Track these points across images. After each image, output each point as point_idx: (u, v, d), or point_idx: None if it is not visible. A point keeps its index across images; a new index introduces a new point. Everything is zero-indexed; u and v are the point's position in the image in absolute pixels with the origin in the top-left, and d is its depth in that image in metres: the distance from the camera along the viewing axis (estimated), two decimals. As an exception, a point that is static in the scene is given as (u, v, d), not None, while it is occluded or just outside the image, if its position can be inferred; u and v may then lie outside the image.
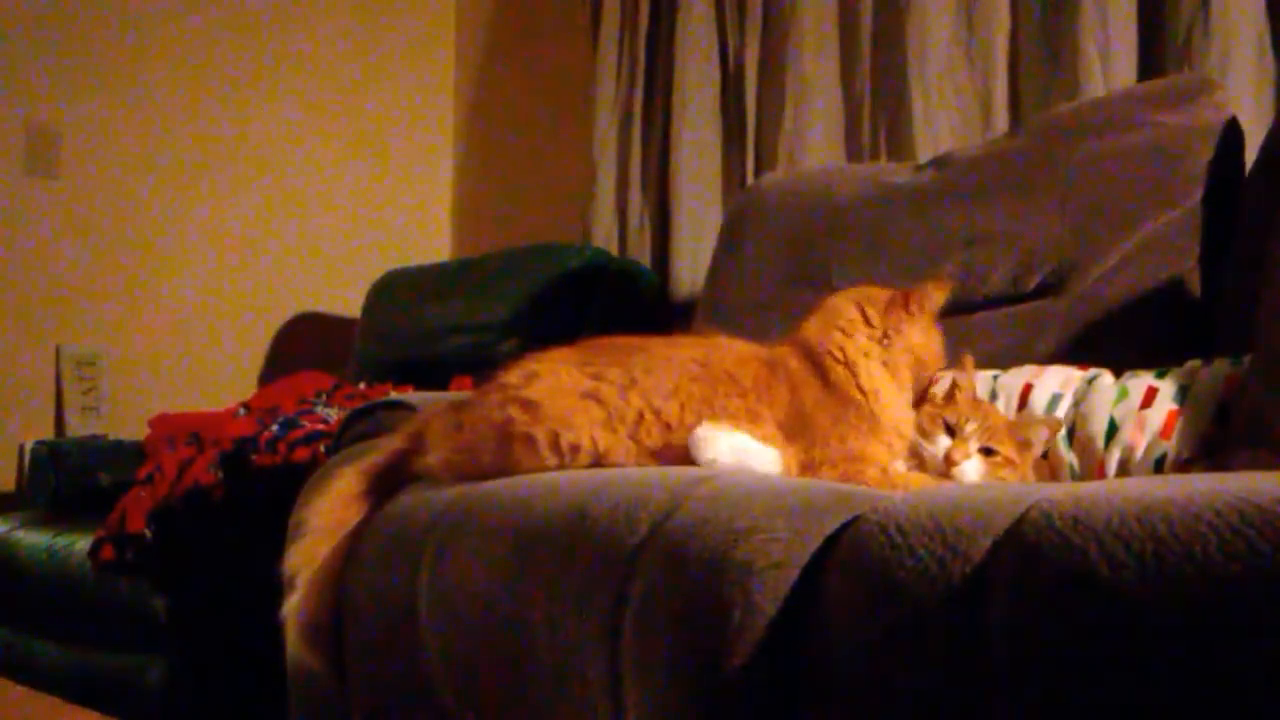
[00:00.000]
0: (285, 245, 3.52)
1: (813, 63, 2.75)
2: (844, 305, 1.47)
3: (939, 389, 1.51)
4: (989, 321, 1.91)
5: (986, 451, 1.41)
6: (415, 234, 3.78)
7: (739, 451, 1.28)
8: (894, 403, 1.41)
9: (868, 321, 1.44)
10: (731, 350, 1.43)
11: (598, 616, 1.06)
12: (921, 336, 1.45)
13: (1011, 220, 1.96)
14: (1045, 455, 1.52)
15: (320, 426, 2.29)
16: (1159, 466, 1.44)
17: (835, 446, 1.35)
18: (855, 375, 1.40)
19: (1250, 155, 1.85)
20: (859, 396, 1.39)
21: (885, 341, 1.43)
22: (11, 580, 2.48)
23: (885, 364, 1.42)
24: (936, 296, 1.47)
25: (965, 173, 2.10)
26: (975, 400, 1.49)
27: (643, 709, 1.00)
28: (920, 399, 1.49)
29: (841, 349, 1.41)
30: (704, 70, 2.98)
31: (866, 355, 1.41)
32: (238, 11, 3.47)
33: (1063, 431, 1.52)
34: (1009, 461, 1.41)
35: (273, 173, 3.52)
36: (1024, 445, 1.44)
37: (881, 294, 1.48)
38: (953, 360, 1.51)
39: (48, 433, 3.12)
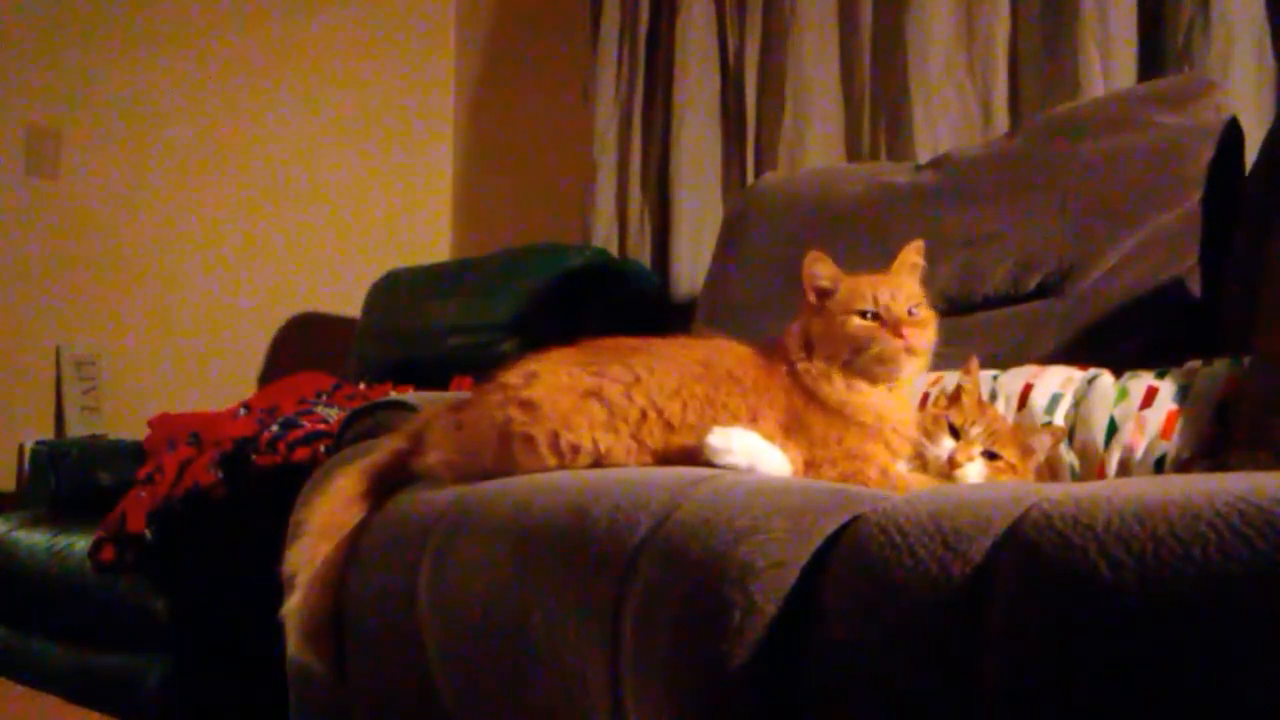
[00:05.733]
0: (285, 245, 3.53)
1: (813, 63, 2.75)
2: (791, 334, 1.45)
3: (946, 386, 1.51)
4: (989, 321, 1.91)
5: (990, 456, 1.40)
6: (415, 234, 3.78)
7: (753, 453, 1.28)
8: (868, 404, 1.38)
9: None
10: (732, 351, 1.43)
11: (598, 616, 1.06)
12: (845, 294, 1.40)
13: (1011, 220, 1.96)
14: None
15: (320, 426, 2.29)
16: (1159, 466, 1.44)
17: (834, 446, 1.35)
18: (819, 392, 1.38)
19: (1250, 155, 1.85)
20: (836, 407, 1.38)
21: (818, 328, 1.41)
22: (11, 580, 2.48)
23: (842, 375, 1.38)
24: (816, 270, 1.43)
25: (965, 173, 2.10)
26: (980, 403, 1.48)
27: (642, 709, 1.00)
28: (924, 400, 1.48)
29: (807, 370, 1.40)
30: (704, 70, 2.98)
31: (823, 375, 1.39)
32: (238, 12, 3.47)
33: (1062, 433, 1.52)
34: (1011, 467, 1.41)
35: (273, 173, 3.52)
36: (1027, 451, 1.44)
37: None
38: (958, 362, 1.51)
39: (48, 433, 3.12)
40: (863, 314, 1.38)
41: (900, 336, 1.35)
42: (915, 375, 1.45)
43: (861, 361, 1.37)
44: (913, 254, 1.44)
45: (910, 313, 1.38)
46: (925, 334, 1.39)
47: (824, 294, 1.43)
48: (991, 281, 1.94)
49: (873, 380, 1.38)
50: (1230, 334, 1.64)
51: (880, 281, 1.40)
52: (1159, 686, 0.69)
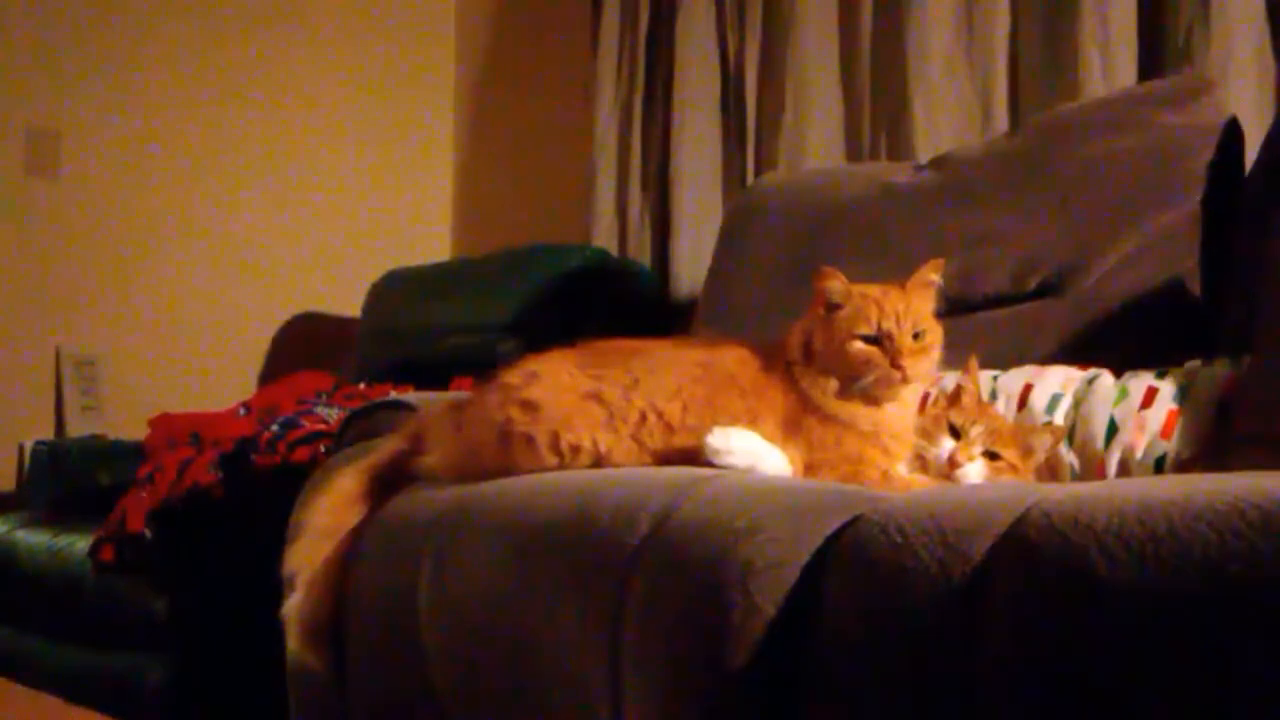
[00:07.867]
0: (285, 245, 3.52)
1: (813, 63, 2.75)
2: (793, 334, 1.43)
3: (946, 386, 1.51)
4: (989, 322, 1.90)
5: (990, 456, 1.40)
6: (415, 234, 3.77)
7: (753, 453, 1.28)
8: (865, 415, 1.37)
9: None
10: (732, 352, 1.43)
11: (598, 617, 1.06)
12: (850, 313, 1.37)
13: (1011, 220, 1.96)
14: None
15: (320, 426, 2.28)
16: (1159, 466, 1.44)
17: (833, 449, 1.35)
18: (814, 399, 1.37)
19: (1250, 155, 1.85)
20: (832, 415, 1.37)
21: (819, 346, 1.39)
22: (11, 580, 2.48)
23: (838, 389, 1.37)
24: (829, 286, 1.40)
25: (965, 173, 2.10)
26: (980, 403, 1.48)
27: (643, 709, 1.00)
28: (924, 400, 1.48)
29: (803, 375, 1.39)
30: (704, 70, 2.98)
31: (819, 385, 1.38)
32: (237, 11, 3.47)
33: (1062, 432, 1.52)
34: (1012, 466, 1.40)
35: (272, 173, 3.52)
36: (1027, 451, 1.44)
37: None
38: (958, 362, 1.51)
39: (48, 433, 3.12)
40: (865, 338, 1.36)
41: (898, 369, 1.34)
42: (915, 394, 1.44)
43: (857, 385, 1.36)
44: (929, 272, 1.41)
45: (915, 335, 1.36)
46: (925, 361, 1.37)
47: (833, 307, 1.41)
48: (991, 281, 1.94)
49: (868, 402, 1.37)
50: (1230, 334, 1.64)
51: (887, 302, 1.37)
52: (1159, 686, 0.69)
